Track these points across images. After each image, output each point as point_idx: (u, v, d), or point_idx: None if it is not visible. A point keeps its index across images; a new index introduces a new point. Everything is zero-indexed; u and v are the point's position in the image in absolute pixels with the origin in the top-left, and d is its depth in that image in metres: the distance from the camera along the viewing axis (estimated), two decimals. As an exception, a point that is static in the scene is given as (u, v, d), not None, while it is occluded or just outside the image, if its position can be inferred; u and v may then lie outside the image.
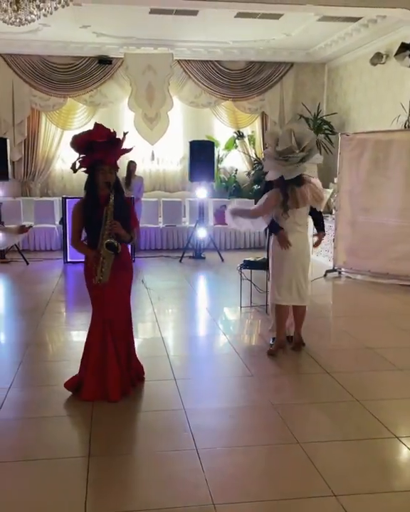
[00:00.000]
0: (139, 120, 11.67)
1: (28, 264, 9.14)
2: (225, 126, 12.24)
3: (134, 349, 4.23)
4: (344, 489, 2.88)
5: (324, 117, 11.70)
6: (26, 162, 11.71)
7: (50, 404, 3.95)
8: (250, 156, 12.24)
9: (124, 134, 3.92)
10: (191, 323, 6.27)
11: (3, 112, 11.41)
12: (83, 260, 4.05)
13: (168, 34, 10.44)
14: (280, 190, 4.76)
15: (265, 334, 5.39)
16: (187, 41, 10.94)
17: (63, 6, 6.08)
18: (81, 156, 3.87)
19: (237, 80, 11.95)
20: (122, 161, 4.24)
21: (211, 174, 9.85)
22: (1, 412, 3.78)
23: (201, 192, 9.92)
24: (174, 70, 11.61)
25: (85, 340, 4.10)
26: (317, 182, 4.90)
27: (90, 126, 4.00)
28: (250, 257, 6.61)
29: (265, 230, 5.23)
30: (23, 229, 4.76)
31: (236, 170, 12.23)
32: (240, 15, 8.90)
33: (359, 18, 9.12)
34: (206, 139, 10.82)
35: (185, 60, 11.70)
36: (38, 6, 5.99)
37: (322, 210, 5.13)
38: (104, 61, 11.44)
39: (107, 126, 3.90)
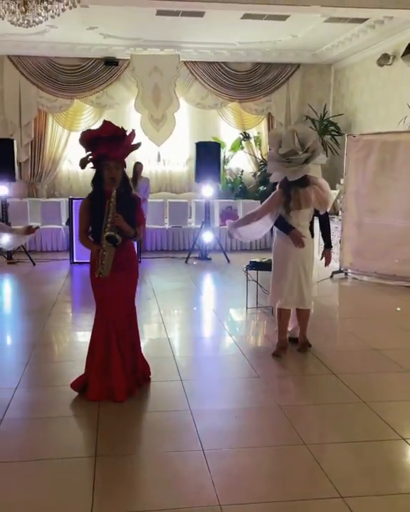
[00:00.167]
0: (146, 121, 11.69)
1: (34, 264, 9.17)
2: (232, 128, 12.25)
3: (140, 350, 4.23)
4: (350, 491, 2.87)
5: (331, 118, 11.69)
6: (33, 163, 11.75)
7: (56, 404, 3.95)
8: (256, 157, 12.24)
9: (133, 130, 3.93)
10: (197, 324, 6.27)
11: (11, 113, 11.47)
12: (89, 260, 4.05)
13: (174, 35, 10.45)
14: (283, 191, 4.76)
15: (271, 335, 5.38)
16: (193, 42, 10.95)
17: (71, 8, 6.13)
18: (88, 152, 3.88)
19: (243, 81, 11.96)
20: (129, 163, 4.25)
21: (217, 175, 9.84)
22: (8, 413, 3.78)
23: (207, 193, 9.92)
24: (180, 71, 11.63)
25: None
26: (323, 183, 4.85)
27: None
28: (257, 258, 6.63)
29: (270, 230, 5.23)
30: (30, 230, 4.77)
31: (242, 171, 12.24)
32: (246, 16, 8.92)
33: (366, 19, 9.10)
34: (212, 140, 10.82)
35: (191, 62, 11.72)
36: (45, 8, 6.04)
37: (327, 211, 5.07)
38: (111, 62, 11.48)
39: (114, 126, 3.92)
